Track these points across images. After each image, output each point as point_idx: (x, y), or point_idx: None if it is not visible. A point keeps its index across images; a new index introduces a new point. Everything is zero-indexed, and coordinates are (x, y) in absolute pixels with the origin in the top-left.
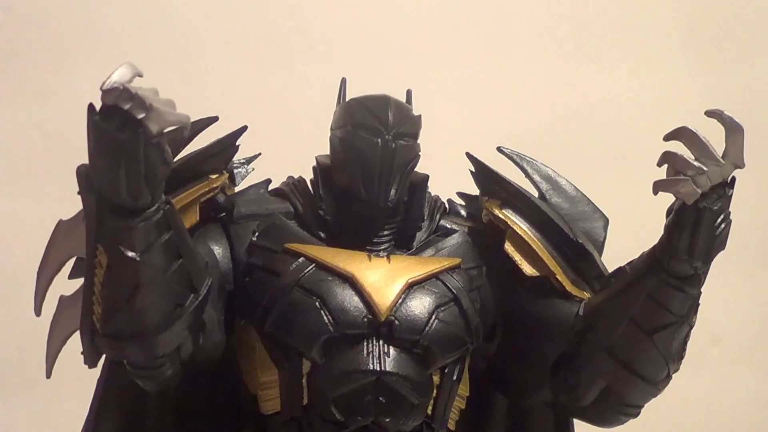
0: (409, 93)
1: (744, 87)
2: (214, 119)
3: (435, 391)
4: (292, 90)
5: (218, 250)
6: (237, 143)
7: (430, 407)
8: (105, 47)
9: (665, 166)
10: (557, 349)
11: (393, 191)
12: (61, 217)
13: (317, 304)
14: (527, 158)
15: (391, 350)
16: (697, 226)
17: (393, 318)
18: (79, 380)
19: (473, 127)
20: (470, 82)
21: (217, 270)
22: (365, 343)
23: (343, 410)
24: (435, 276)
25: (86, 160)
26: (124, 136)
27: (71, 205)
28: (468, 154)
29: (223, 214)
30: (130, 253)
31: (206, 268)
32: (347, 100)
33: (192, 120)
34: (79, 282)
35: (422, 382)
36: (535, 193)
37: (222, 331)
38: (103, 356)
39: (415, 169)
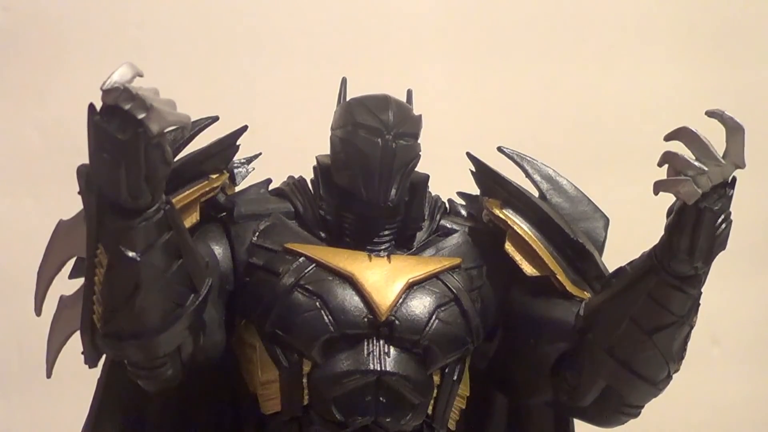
0: (409, 93)
1: (744, 87)
2: (215, 119)
3: (435, 391)
4: (292, 90)
5: (218, 250)
6: (237, 143)
7: (430, 407)
8: (105, 47)
9: (666, 166)
10: (558, 349)
11: (393, 191)
12: (61, 217)
13: (317, 304)
14: (527, 158)
15: (392, 350)
16: (697, 227)
17: (393, 318)
18: (79, 380)
19: (473, 127)
20: (470, 82)
21: (217, 270)
22: (365, 343)
23: (343, 410)
24: (435, 276)
25: (86, 160)
26: (124, 137)
27: (71, 205)
28: (468, 154)
29: (224, 213)
30: (131, 253)
31: (206, 268)
32: (347, 99)
33: (192, 120)
34: (80, 282)
35: (422, 382)
36: (536, 193)
37: (222, 331)
38: (104, 356)
39: (416, 169)
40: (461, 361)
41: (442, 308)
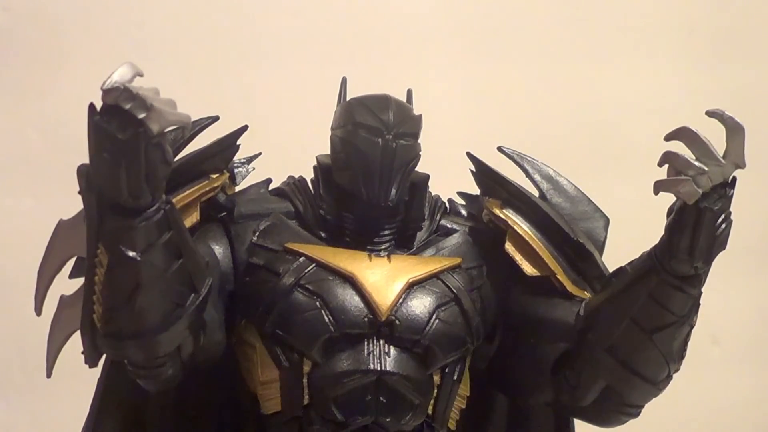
0: (409, 93)
1: (744, 87)
2: (215, 119)
3: (435, 391)
4: (292, 90)
5: (219, 250)
6: (237, 143)
7: (430, 407)
8: (105, 47)
9: (666, 166)
10: (558, 349)
11: (393, 191)
12: (61, 217)
13: (318, 303)
14: (528, 158)
15: (392, 350)
16: (697, 227)
17: (393, 318)
18: (79, 380)
19: (473, 127)
20: (470, 82)
21: (217, 269)
22: (366, 343)
23: (343, 410)
24: (436, 276)
25: (86, 160)
26: (124, 136)
27: (71, 205)
28: (468, 154)
29: (224, 213)
30: (131, 253)
31: (207, 268)
32: (348, 99)
33: (192, 120)
34: (80, 282)
35: (423, 382)
36: (536, 193)
37: (222, 331)
38: (104, 356)
39: (416, 169)
40: (461, 361)
41: (443, 308)
